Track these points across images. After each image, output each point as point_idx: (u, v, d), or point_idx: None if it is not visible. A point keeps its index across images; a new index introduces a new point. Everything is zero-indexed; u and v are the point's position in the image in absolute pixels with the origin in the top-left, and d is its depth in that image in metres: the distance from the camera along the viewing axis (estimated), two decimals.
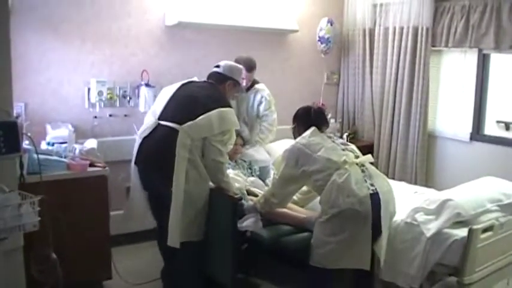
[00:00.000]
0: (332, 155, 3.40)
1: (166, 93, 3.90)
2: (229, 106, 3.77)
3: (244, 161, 4.64)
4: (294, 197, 3.91)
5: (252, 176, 4.55)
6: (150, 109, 4.05)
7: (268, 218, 3.82)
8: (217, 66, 3.99)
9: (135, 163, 3.82)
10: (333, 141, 3.56)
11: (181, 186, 3.51)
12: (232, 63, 4.11)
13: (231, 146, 3.90)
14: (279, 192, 3.64)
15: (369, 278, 3.61)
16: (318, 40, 5.93)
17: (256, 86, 4.97)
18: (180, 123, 3.57)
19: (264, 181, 4.57)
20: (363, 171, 3.41)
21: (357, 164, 3.42)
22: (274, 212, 3.80)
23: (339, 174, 3.31)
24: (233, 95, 4.16)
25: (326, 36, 5.87)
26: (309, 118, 3.69)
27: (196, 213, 3.65)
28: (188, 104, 3.71)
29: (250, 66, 4.76)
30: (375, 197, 3.30)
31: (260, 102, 4.94)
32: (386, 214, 3.34)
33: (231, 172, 4.25)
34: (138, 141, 3.83)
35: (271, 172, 4.59)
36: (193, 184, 3.58)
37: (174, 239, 3.52)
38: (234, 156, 4.52)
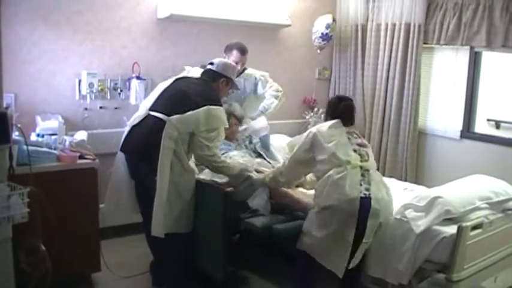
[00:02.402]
0: (339, 151, 3.44)
1: (160, 88, 3.96)
2: (220, 104, 3.79)
3: (246, 137, 4.70)
4: (307, 178, 4.05)
5: (255, 150, 4.63)
6: (143, 102, 4.12)
7: (274, 194, 3.92)
8: (211, 64, 3.98)
9: (122, 151, 3.88)
10: (349, 139, 3.58)
11: (166, 176, 3.54)
12: (226, 60, 4.12)
13: (219, 143, 3.88)
14: (287, 173, 3.77)
15: (358, 273, 3.64)
16: (320, 37, 5.86)
17: (246, 71, 4.95)
18: (169, 115, 3.61)
19: (266, 158, 4.60)
20: (363, 175, 3.43)
21: (361, 167, 3.44)
22: (280, 191, 3.90)
23: (337, 172, 3.37)
24: (227, 92, 4.17)
25: (330, 34, 5.84)
26: (336, 109, 3.70)
27: (183, 204, 3.67)
28: (179, 98, 3.74)
29: (243, 49, 4.75)
30: (365, 201, 3.32)
31: (256, 85, 4.97)
32: (373, 221, 3.34)
33: (235, 153, 4.31)
34: (127, 129, 3.89)
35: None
36: (178, 175, 3.61)
37: (157, 229, 3.54)
38: (232, 136, 4.54)
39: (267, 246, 4.26)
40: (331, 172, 3.38)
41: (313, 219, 3.48)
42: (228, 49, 4.78)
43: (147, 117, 3.76)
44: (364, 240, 3.34)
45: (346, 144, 3.51)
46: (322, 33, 5.85)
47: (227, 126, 3.90)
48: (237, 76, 4.75)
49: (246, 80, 4.92)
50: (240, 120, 4.67)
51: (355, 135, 3.67)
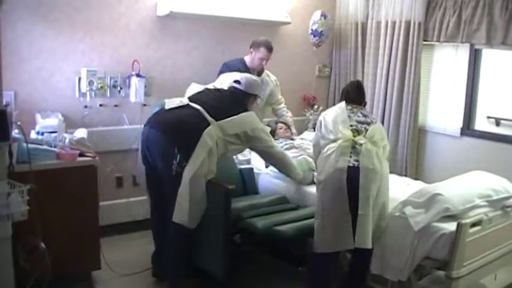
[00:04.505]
0: (335, 126, 3.65)
1: (194, 88, 4.14)
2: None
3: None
4: None
5: None
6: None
7: None
8: (238, 82, 4.05)
9: (151, 127, 3.79)
10: (349, 116, 3.72)
11: (196, 166, 3.57)
12: (251, 78, 4.16)
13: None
14: (315, 158, 4.03)
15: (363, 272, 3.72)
16: (311, 33, 5.91)
17: (265, 72, 5.25)
18: (214, 118, 3.72)
19: None
20: (354, 147, 3.54)
21: (354, 142, 3.56)
22: None
23: (330, 148, 3.57)
24: (253, 106, 4.26)
25: (319, 30, 5.86)
26: (343, 91, 3.99)
27: (197, 200, 3.63)
28: (225, 104, 3.91)
29: (270, 47, 5.01)
30: (353, 170, 3.45)
31: (276, 85, 5.34)
32: (365, 192, 3.43)
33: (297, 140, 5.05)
34: (157, 108, 4.00)
35: None
36: (204, 172, 3.63)
37: (179, 216, 3.58)
38: (285, 134, 5.15)
39: (269, 245, 4.27)
40: (325, 149, 3.61)
41: (317, 194, 3.67)
42: (256, 45, 5.00)
43: (187, 106, 3.81)
44: (359, 212, 3.40)
45: (344, 122, 3.68)
46: (312, 30, 5.90)
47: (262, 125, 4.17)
48: (258, 75, 5.04)
49: (266, 81, 5.18)
50: (286, 124, 5.33)
51: (359, 114, 3.77)
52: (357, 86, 3.97)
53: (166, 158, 3.59)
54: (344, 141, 3.54)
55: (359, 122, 3.70)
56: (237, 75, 4.14)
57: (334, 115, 3.75)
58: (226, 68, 4.88)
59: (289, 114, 5.48)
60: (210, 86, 4.15)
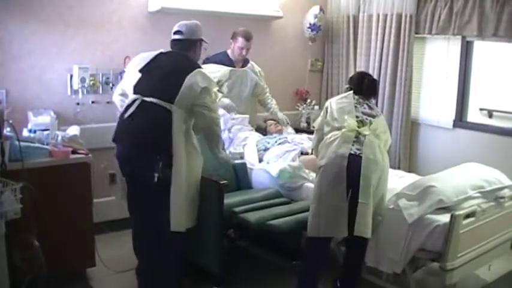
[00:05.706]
0: (341, 116, 3.65)
1: (135, 65, 3.70)
2: (200, 67, 3.66)
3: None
4: None
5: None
6: (121, 87, 3.83)
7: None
8: (178, 32, 3.71)
9: (123, 142, 3.55)
10: (356, 107, 3.71)
11: (183, 169, 3.40)
12: (191, 22, 3.78)
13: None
14: (314, 143, 4.01)
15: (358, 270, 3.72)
16: (308, 27, 5.91)
17: (251, 62, 5.31)
18: (171, 102, 3.39)
19: None
20: (357, 137, 3.55)
21: (358, 132, 3.56)
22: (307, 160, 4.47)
23: (333, 135, 3.58)
24: (200, 52, 3.92)
25: (318, 24, 5.88)
26: (353, 82, 3.90)
27: (193, 198, 3.58)
28: (170, 79, 3.50)
29: (249, 35, 5.05)
30: (354, 158, 3.45)
31: (261, 75, 5.36)
32: (365, 181, 3.42)
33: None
34: (120, 119, 3.57)
35: None
36: (190, 169, 3.49)
37: (179, 224, 3.43)
38: (276, 129, 5.24)
39: (264, 240, 4.27)
40: (329, 135, 3.61)
41: (316, 179, 3.64)
42: (234, 36, 5.06)
43: (143, 104, 3.43)
44: (360, 200, 3.39)
45: (350, 112, 3.67)
46: (310, 24, 5.93)
47: (217, 87, 3.81)
48: (243, 66, 5.16)
49: (250, 73, 5.24)
50: (277, 121, 5.36)
51: (365, 106, 3.76)
52: (373, 84, 3.89)
53: (150, 169, 3.35)
54: (348, 130, 3.55)
55: (364, 114, 3.71)
56: (175, 27, 3.74)
57: (341, 104, 3.74)
58: (210, 63, 4.97)
59: (274, 102, 5.49)
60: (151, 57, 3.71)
